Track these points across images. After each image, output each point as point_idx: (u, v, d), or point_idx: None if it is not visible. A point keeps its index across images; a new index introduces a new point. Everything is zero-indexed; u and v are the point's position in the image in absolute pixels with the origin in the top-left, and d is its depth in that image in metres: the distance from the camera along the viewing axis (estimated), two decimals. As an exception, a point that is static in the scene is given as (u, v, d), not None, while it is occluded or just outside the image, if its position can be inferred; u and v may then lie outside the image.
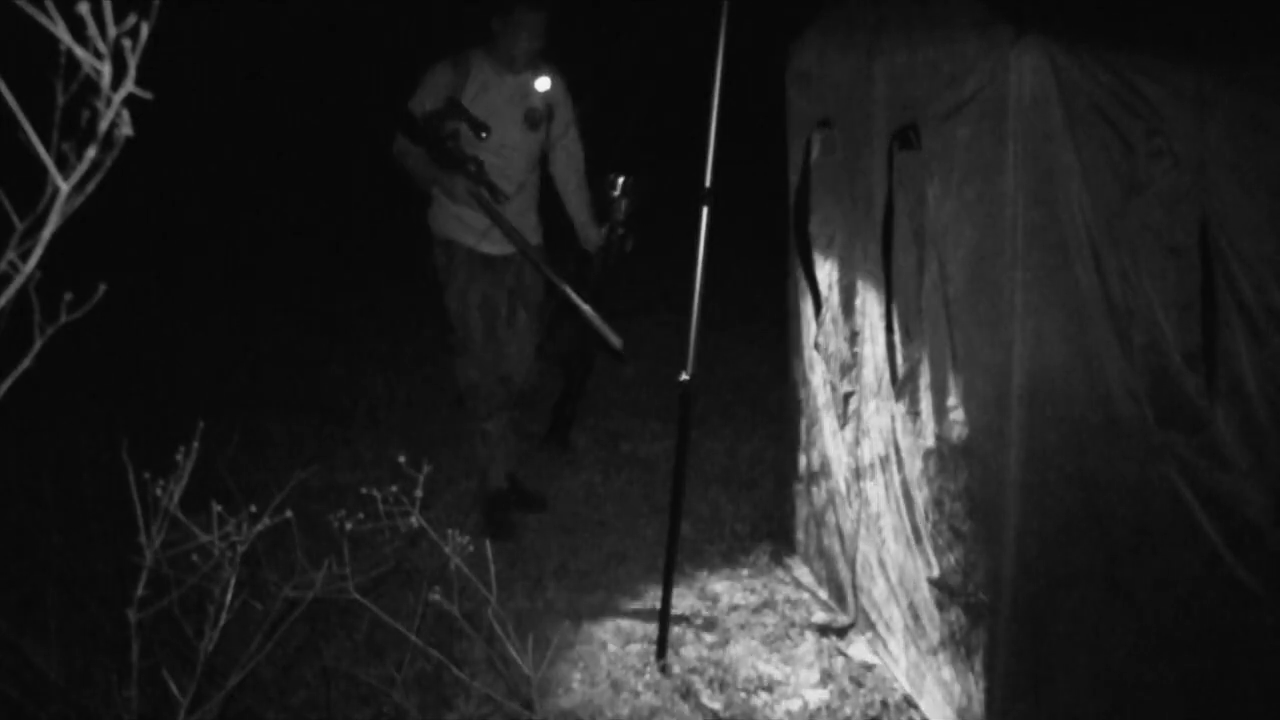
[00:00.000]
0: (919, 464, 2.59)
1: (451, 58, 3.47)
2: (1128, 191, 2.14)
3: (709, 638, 3.06)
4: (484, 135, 3.31)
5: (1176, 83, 2.10)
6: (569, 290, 3.37)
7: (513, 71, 3.44)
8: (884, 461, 2.77)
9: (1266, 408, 2.20)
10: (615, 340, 3.31)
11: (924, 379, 2.55)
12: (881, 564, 2.85)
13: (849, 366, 2.96)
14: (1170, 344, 2.20)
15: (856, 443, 2.94)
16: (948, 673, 2.55)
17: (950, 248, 2.37)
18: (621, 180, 3.63)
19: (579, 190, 3.67)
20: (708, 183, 2.67)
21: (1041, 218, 2.11)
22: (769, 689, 2.83)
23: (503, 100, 3.44)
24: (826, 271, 3.07)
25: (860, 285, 2.87)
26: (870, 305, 2.81)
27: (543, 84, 3.45)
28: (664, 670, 2.87)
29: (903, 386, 2.65)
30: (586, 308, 3.31)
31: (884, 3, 2.71)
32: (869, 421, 2.85)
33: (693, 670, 2.90)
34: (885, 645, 2.89)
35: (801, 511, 3.43)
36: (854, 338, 2.93)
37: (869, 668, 2.90)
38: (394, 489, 1.91)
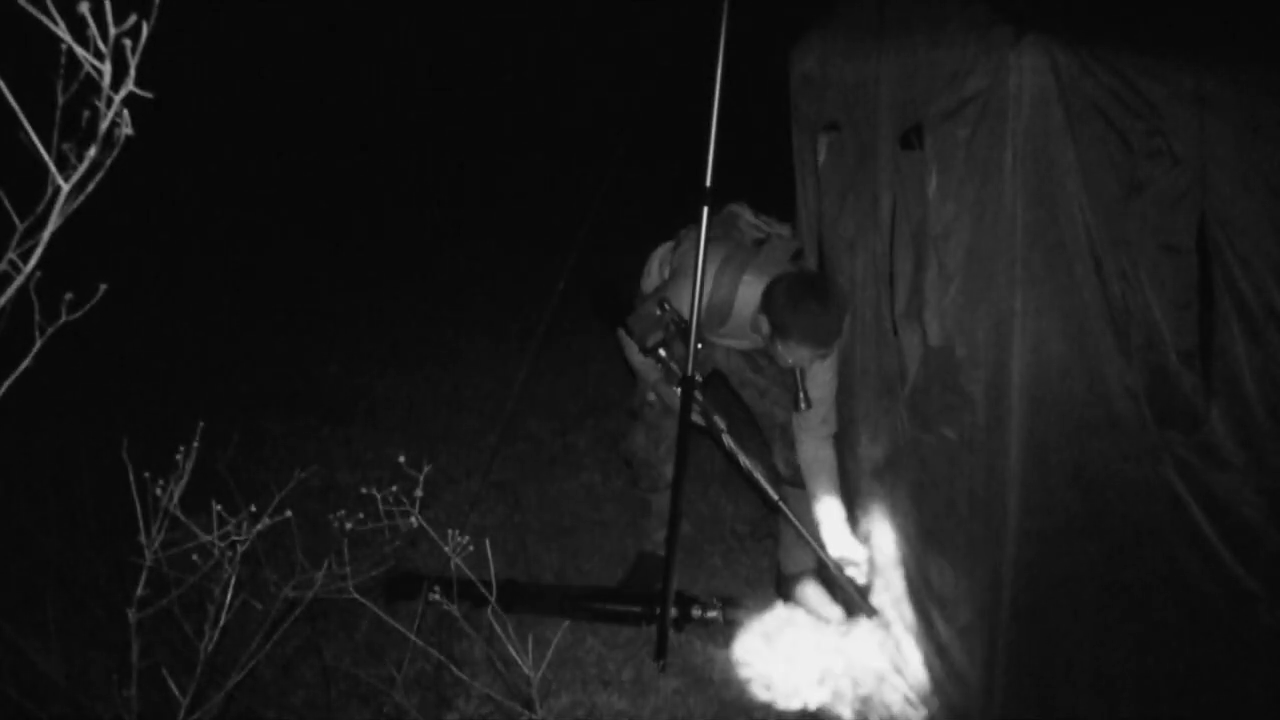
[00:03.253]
0: (924, 463, 2.59)
1: (718, 269, 2.88)
2: (1127, 191, 2.13)
3: (709, 637, 3.06)
4: (698, 346, 2.82)
5: (1176, 83, 2.09)
6: (820, 549, 2.92)
7: (770, 359, 3.00)
8: (892, 461, 2.77)
9: (1264, 407, 2.20)
10: (869, 609, 2.90)
11: (926, 379, 2.56)
12: (884, 563, 2.85)
13: (864, 369, 2.96)
14: (1168, 343, 2.20)
15: (867, 443, 2.94)
16: (949, 671, 2.55)
17: (950, 248, 2.37)
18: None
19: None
20: (708, 182, 2.67)
21: (1041, 218, 2.11)
22: (769, 688, 2.83)
23: (738, 338, 3.05)
24: (843, 275, 3.06)
25: (868, 286, 2.87)
26: (878, 306, 2.81)
27: (804, 407, 2.93)
28: (664, 670, 2.87)
29: (909, 387, 2.65)
30: (835, 564, 2.87)
31: (886, 4, 2.71)
32: (879, 422, 2.85)
33: (693, 670, 2.90)
34: (886, 645, 2.89)
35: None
36: (863, 338, 2.93)
37: (869, 668, 2.90)
38: (394, 489, 1.91)
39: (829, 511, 2.97)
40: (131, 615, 1.70)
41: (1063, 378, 2.18)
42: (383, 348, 5.83)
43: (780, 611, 3.21)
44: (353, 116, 10.89)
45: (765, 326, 2.81)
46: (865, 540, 2.94)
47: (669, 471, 3.20)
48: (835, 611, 3.11)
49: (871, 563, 2.89)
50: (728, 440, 2.93)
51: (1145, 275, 2.17)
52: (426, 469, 1.96)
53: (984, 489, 2.33)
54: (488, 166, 10.52)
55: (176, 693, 1.73)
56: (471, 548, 1.92)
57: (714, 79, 2.59)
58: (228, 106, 9.92)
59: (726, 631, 3.07)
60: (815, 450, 3.00)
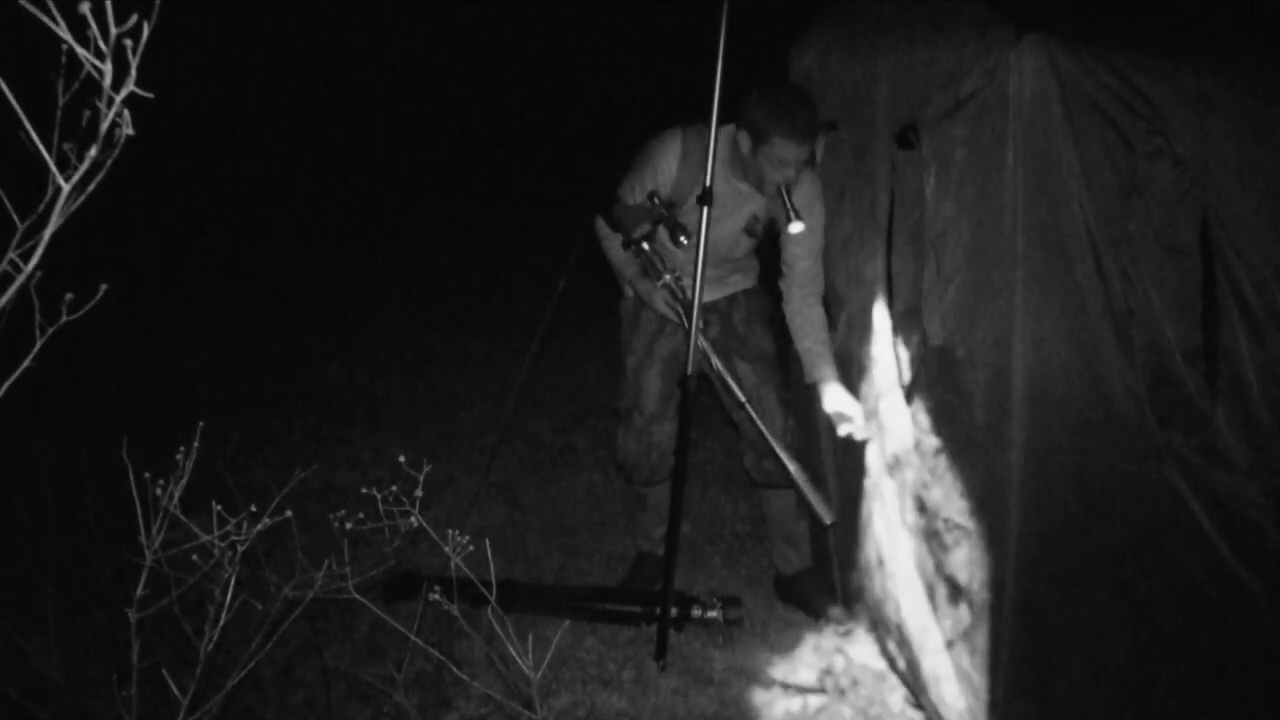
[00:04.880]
0: (927, 463, 2.59)
1: (683, 138, 2.85)
2: (1128, 191, 2.13)
3: (709, 637, 3.06)
4: (683, 241, 2.81)
5: (1177, 82, 2.09)
6: (787, 458, 2.87)
7: (756, 188, 2.89)
8: (897, 461, 2.77)
9: (1267, 407, 2.20)
10: (826, 516, 2.87)
11: (928, 379, 2.55)
12: (887, 563, 2.85)
13: (863, 368, 2.96)
14: (1171, 344, 2.19)
15: (872, 443, 2.94)
16: (950, 671, 2.55)
17: (950, 248, 2.37)
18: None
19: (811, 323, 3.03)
20: (708, 182, 2.67)
21: (1042, 218, 2.11)
22: (768, 689, 2.83)
23: (726, 206, 2.92)
24: (839, 273, 3.06)
25: (869, 286, 2.87)
26: (879, 306, 2.81)
27: (795, 227, 2.83)
28: (664, 670, 2.87)
29: (910, 387, 2.65)
30: (796, 467, 2.84)
31: (885, 3, 2.71)
32: (883, 422, 2.85)
33: (692, 670, 2.90)
34: (887, 645, 2.89)
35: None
36: (867, 339, 2.93)
37: (869, 668, 2.90)
38: (394, 489, 1.91)
39: (823, 369, 2.95)
40: (131, 615, 1.70)
41: (1063, 378, 2.18)
42: (383, 348, 5.83)
43: (780, 611, 3.21)
44: (353, 116, 10.89)
45: (745, 143, 2.78)
46: (861, 399, 2.92)
47: (665, 468, 3.19)
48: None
49: (869, 416, 2.87)
50: (701, 340, 2.89)
51: (1147, 275, 2.17)
52: (426, 469, 1.96)
53: (984, 489, 2.33)
54: (488, 166, 10.52)
55: (176, 693, 1.73)
56: (471, 548, 1.92)
57: (714, 79, 2.59)
58: (228, 106, 9.92)
59: (726, 631, 3.07)
60: (804, 307, 3.00)
